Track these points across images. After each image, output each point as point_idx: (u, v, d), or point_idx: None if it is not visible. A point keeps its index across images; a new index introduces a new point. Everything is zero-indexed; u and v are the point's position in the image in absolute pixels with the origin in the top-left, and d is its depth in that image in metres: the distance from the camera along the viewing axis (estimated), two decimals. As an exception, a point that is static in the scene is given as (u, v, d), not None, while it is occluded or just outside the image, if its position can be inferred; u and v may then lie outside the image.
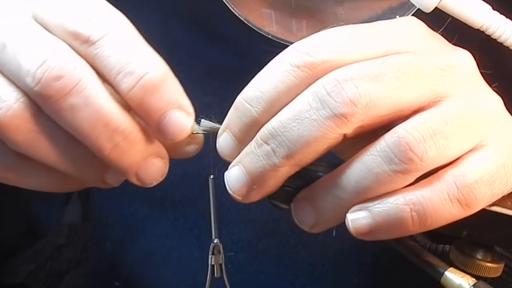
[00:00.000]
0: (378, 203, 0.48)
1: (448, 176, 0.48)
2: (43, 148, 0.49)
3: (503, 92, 0.53)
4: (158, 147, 0.52)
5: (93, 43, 0.48)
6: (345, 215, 0.49)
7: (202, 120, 0.54)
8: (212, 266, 0.57)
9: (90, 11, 0.50)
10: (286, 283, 0.82)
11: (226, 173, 0.52)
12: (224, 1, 0.65)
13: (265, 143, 0.48)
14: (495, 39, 0.57)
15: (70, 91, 0.47)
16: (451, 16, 0.57)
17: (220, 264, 0.57)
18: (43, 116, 0.49)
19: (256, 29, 0.67)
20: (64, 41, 0.49)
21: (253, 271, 0.82)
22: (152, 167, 0.51)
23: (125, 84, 0.48)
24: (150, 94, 0.48)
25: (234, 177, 0.51)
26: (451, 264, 0.53)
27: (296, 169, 0.50)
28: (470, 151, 0.49)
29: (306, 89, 0.48)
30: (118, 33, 0.49)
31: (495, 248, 0.54)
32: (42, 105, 0.48)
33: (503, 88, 0.54)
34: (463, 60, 0.51)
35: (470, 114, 0.49)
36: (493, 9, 0.57)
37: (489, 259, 0.53)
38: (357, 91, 0.46)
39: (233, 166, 0.51)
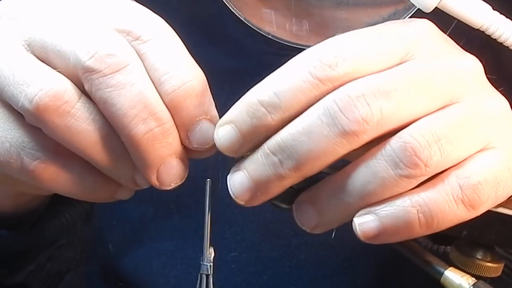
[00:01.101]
0: (385, 206, 0.48)
1: (452, 178, 0.48)
2: (79, 133, 0.50)
3: (505, 95, 0.53)
4: (183, 150, 0.52)
5: (144, 42, 0.50)
6: (349, 218, 0.50)
7: None
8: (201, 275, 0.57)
9: (141, 15, 0.52)
10: (288, 283, 0.82)
11: (228, 177, 0.52)
12: (224, 1, 0.65)
13: (273, 154, 0.48)
14: (495, 40, 0.57)
15: (120, 69, 0.49)
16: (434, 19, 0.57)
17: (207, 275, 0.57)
18: (83, 100, 0.50)
19: (256, 29, 0.67)
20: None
21: (256, 271, 0.82)
22: (175, 167, 0.52)
23: (170, 84, 0.50)
24: (190, 100, 0.50)
25: (237, 182, 0.51)
26: (451, 264, 0.53)
27: (301, 179, 0.50)
28: (475, 152, 0.49)
29: (317, 103, 0.48)
30: (167, 38, 0.51)
31: (495, 248, 0.54)
32: (89, 81, 0.49)
33: (505, 90, 0.54)
34: (471, 65, 0.52)
35: (475, 118, 0.49)
36: (493, 9, 0.57)
37: (489, 259, 0.53)
38: (369, 109, 0.46)
39: (237, 171, 0.51)
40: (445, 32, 0.54)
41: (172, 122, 0.51)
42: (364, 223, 0.49)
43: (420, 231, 0.48)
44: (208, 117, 0.51)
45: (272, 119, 0.49)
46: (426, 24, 0.53)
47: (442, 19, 0.56)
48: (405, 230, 0.48)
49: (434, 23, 0.54)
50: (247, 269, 0.82)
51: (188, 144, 0.52)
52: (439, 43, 0.52)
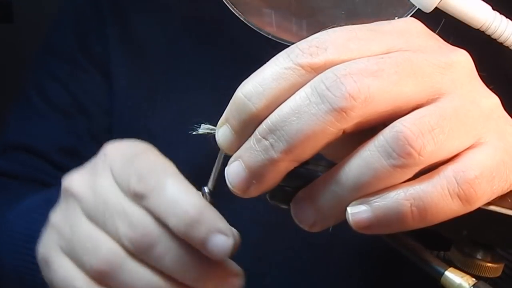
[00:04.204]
0: (379, 197, 0.48)
1: (448, 172, 0.48)
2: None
3: (502, 94, 0.53)
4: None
5: (147, 198, 0.56)
6: (345, 212, 0.49)
7: (202, 125, 0.55)
8: None
9: (143, 169, 0.58)
10: (291, 285, 0.82)
11: (226, 168, 0.52)
12: (224, 1, 0.65)
13: (264, 138, 0.49)
14: (494, 40, 0.57)
15: (155, 243, 0.56)
16: (444, 17, 0.57)
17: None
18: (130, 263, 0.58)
19: (256, 30, 0.67)
20: (132, 198, 0.58)
21: (259, 273, 0.82)
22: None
23: (172, 223, 0.55)
24: (191, 228, 0.55)
25: (234, 172, 0.51)
26: (451, 264, 0.53)
27: (295, 164, 0.50)
28: (468, 148, 0.49)
29: (305, 85, 0.48)
30: (163, 183, 0.56)
31: (495, 248, 0.54)
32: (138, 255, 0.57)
33: (502, 90, 0.54)
34: (462, 59, 0.51)
35: (468, 111, 0.49)
36: (493, 9, 0.57)
37: (489, 259, 0.53)
38: (356, 85, 0.46)
39: (233, 161, 0.51)
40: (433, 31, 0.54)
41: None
42: (357, 213, 0.48)
43: (413, 224, 0.48)
44: (215, 232, 0.55)
45: (256, 108, 0.49)
46: (413, 22, 0.53)
47: (430, 20, 0.56)
48: (397, 222, 0.48)
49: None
50: (249, 270, 0.82)
51: (213, 259, 0.57)
52: (427, 38, 0.52)
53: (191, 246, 0.56)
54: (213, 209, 0.57)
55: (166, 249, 0.56)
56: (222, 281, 0.59)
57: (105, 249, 0.57)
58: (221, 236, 0.55)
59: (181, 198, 0.56)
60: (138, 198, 0.57)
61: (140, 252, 0.57)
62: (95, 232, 0.59)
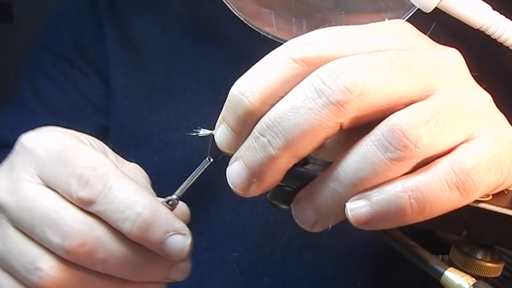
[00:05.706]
0: (377, 191, 0.48)
1: (445, 163, 0.47)
2: None
3: (501, 94, 0.53)
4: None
5: (94, 203, 0.55)
6: (344, 210, 0.49)
7: (202, 129, 0.55)
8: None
9: (84, 172, 0.56)
10: (290, 285, 0.82)
11: (227, 169, 0.52)
12: (224, 1, 0.65)
13: (262, 135, 0.49)
14: (494, 40, 0.57)
15: (95, 251, 0.55)
16: (445, 18, 0.57)
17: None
18: (79, 269, 0.57)
19: (256, 30, 0.68)
20: (74, 202, 0.56)
21: (258, 272, 0.82)
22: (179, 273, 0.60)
23: (125, 228, 0.55)
24: (146, 231, 0.55)
25: (234, 172, 0.51)
26: (451, 264, 0.53)
27: (294, 161, 0.50)
28: (463, 142, 0.49)
29: (301, 81, 0.48)
30: (110, 187, 0.56)
31: (495, 248, 0.54)
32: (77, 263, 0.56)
33: (502, 89, 0.54)
34: (453, 56, 0.52)
35: (461, 106, 0.49)
36: (493, 9, 0.57)
37: (489, 259, 0.53)
38: (351, 79, 0.46)
39: (234, 161, 0.51)
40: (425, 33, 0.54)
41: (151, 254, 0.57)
42: (356, 208, 0.48)
43: (412, 217, 0.48)
44: (171, 233, 0.56)
45: (250, 102, 0.49)
46: (402, 23, 0.53)
47: (420, 24, 0.57)
48: (396, 215, 0.48)
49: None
50: (248, 270, 0.82)
51: (171, 259, 0.58)
52: (417, 37, 0.53)
53: (133, 244, 0.56)
54: (166, 209, 0.57)
55: (109, 253, 0.56)
56: (168, 270, 0.59)
57: (44, 264, 0.56)
58: (178, 236, 0.56)
59: (132, 200, 0.56)
60: (84, 204, 0.56)
61: (79, 261, 0.55)
62: (27, 245, 0.57)
